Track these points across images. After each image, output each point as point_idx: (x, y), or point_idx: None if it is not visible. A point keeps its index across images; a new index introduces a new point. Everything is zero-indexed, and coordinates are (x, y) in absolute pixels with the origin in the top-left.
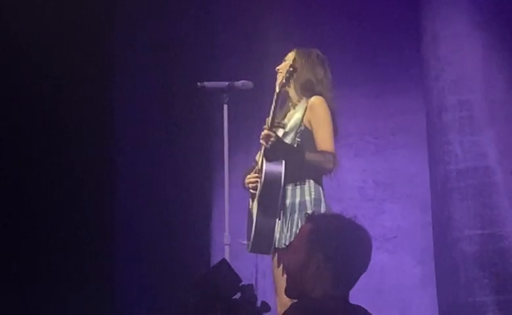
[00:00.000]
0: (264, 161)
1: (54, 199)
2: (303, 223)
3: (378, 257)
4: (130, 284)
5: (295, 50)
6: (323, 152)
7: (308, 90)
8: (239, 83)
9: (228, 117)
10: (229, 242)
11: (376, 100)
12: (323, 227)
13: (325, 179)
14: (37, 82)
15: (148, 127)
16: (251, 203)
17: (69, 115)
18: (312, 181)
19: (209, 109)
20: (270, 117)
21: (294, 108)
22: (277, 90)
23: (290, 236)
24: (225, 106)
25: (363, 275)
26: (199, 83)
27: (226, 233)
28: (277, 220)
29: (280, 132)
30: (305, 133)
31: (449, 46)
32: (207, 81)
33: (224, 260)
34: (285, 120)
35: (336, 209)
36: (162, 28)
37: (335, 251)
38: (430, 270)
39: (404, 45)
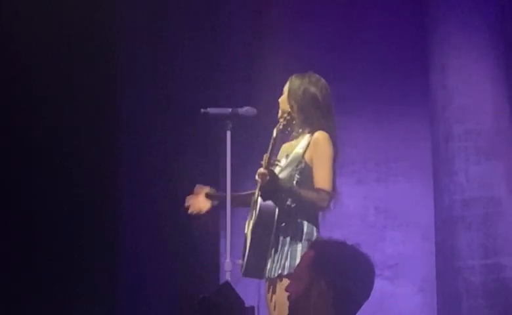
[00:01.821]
0: (259, 198)
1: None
2: (294, 255)
3: (378, 284)
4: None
5: (293, 79)
6: (318, 190)
7: (310, 123)
8: (242, 110)
9: (232, 144)
10: (230, 269)
11: (378, 127)
12: (325, 254)
13: None
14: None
15: (151, 154)
16: (246, 226)
17: (75, 158)
18: (307, 215)
19: (212, 136)
20: (267, 157)
21: (296, 140)
22: (274, 134)
23: (279, 268)
24: (228, 133)
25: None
26: (202, 109)
27: (227, 260)
28: (268, 253)
29: (277, 169)
30: (305, 170)
31: (457, 75)
32: (210, 107)
33: (227, 282)
34: (286, 152)
35: (337, 235)
36: (166, 54)
37: (338, 279)
38: (431, 298)
39: (410, 71)
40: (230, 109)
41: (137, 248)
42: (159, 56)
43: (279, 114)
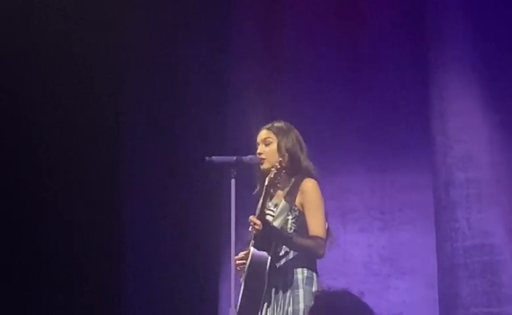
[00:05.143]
0: (252, 246)
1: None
2: (297, 300)
3: None
4: None
5: (271, 130)
6: (314, 238)
7: (298, 168)
8: (247, 158)
9: (236, 192)
10: None
11: (383, 175)
12: (329, 305)
13: (331, 252)
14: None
15: (155, 203)
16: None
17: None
18: (305, 262)
19: (216, 184)
20: (260, 207)
21: (283, 190)
22: (266, 182)
23: (283, 314)
24: (233, 181)
25: None
26: (206, 157)
27: (232, 308)
28: (262, 301)
29: (270, 219)
30: (299, 218)
31: (458, 123)
32: (214, 155)
33: None
34: (274, 201)
35: (341, 283)
36: (170, 101)
37: None
38: None
39: (412, 120)
40: (234, 158)
41: (138, 298)
42: (162, 101)
43: (265, 154)
